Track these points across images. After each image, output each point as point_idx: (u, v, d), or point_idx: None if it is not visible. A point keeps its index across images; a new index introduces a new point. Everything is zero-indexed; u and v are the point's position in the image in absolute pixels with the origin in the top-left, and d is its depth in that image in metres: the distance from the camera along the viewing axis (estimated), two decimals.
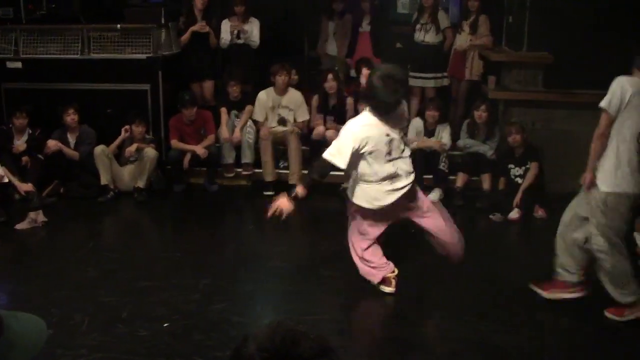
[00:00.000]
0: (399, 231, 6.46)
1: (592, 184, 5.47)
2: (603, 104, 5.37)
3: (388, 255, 6.38)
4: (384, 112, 5.64)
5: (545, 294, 5.91)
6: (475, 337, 5.37)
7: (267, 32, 10.03)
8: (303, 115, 9.22)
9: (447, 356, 5.12)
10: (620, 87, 5.35)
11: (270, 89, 9.15)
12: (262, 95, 9.20)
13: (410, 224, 6.24)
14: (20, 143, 8.74)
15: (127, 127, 8.88)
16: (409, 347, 5.23)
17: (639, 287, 5.54)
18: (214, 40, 9.69)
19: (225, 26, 9.76)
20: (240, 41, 9.77)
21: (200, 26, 9.53)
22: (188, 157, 8.94)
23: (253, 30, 9.75)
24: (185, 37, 9.61)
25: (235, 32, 9.71)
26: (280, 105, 9.19)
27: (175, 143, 9.03)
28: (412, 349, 5.21)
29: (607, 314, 5.65)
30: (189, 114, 8.98)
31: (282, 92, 9.10)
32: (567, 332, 5.56)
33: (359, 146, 5.63)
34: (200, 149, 8.92)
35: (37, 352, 1.91)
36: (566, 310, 5.82)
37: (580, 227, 5.67)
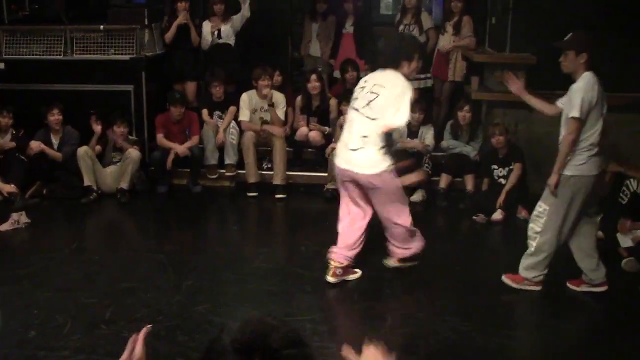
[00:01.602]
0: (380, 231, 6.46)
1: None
2: (578, 114, 5.59)
3: (372, 254, 6.41)
4: None
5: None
6: (457, 337, 5.39)
7: (251, 32, 10.02)
8: (281, 115, 9.19)
9: (428, 357, 5.13)
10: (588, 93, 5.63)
11: (253, 92, 9.13)
12: (246, 97, 9.18)
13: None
14: (2, 142, 8.69)
15: (95, 119, 8.85)
16: (390, 348, 5.23)
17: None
18: (196, 37, 9.67)
19: (207, 27, 9.75)
20: (221, 40, 9.76)
21: (183, 16, 9.49)
22: (171, 157, 8.92)
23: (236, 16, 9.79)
24: (170, 32, 9.56)
25: (216, 32, 9.70)
26: (262, 109, 9.18)
27: (160, 139, 9.00)
28: (393, 350, 5.21)
29: (505, 279, 6.20)
30: (177, 113, 8.96)
31: (264, 96, 9.05)
32: (549, 332, 5.58)
33: None
34: (181, 149, 8.90)
35: None
36: (549, 310, 5.86)
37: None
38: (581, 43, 5.70)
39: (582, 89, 5.60)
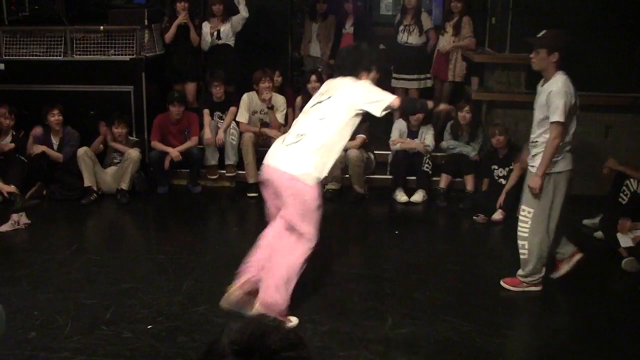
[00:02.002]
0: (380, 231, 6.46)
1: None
2: (561, 119, 5.66)
3: (371, 255, 6.40)
4: None
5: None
6: (457, 337, 5.39)
7: (251, 32, 10.02)
8: (281, 119, 9.19)
9: (429, 357, 5.14)
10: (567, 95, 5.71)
11: (254, 93, 9.12)
12: (246, 98, 9.18)
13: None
14: (4, 143, 8.70)
15: (102, 122, 8.87)
16: (390, 348, 5.24)
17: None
18: (196, 37, 9.68)
19: (206, 28, 9.76)
20: (221, 41, 9.77)
21: (182, 17, 9.51)
22: (169, 158, 8.92)
23: (236, 17, 9.78)
24: (170, 33, 9.59)
25: (215, 32, 9.70)
26: (262, 111, 9.18)
27: (155, 144, 9.02)
28: (393, 350, 5.22)
29: (504, 284, 6.25)
30: (176, 112, 8.97)
31: (264, 100, 9.01)
32: (549, 332, 5.58)
33: None
34: (174, 153, 8.90)
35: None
36: (549, 310, 5.86)
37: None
38: (554, 42, 5.75)
39: (562, 92, 5.66)
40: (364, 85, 5.56)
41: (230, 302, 5.47)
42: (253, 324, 1.77)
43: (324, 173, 5.43)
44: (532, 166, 5.92)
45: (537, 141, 5.88)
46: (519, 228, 6.05)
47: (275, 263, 5.44)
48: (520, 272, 6.14)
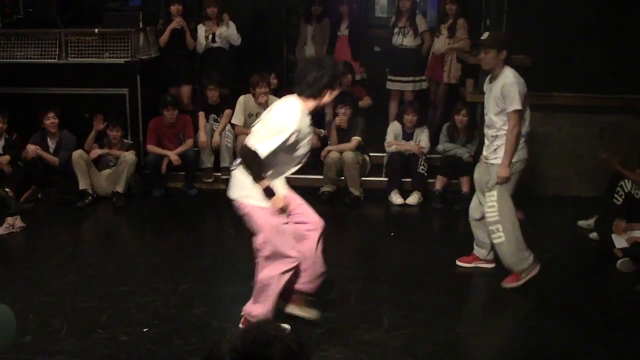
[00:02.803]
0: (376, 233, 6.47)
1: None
2: (519, 106, 5.92)
3: (367, 257, 6.39)
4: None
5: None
6: (454, 339, 5.41)
7: (246, 35, 10.01)
8: None
9: (425, 358, 5.14)
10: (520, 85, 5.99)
11: (250, 96, 9.11)
12: (242, 101, 9.17)
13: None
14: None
15: (100, 115, 8.88)
16: (387, 350, 5.24)
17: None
18: (191, 41, 9.68)
19: (201, 31, 9.75)
20: (216, 44, 9.76)
21: (176, 22, 9.51)
22: (166, 161, 8.91)
23: (230, 32, 9.73)
24: (164, 37, 9.59)
25: (210, 36, 9.70)
26: (258, 114, 9.16)
27: (151, 148, 9.02)
28: (390, 352, 5.22)
29: (506, 285, 6.19)
30: (170, 116, 8.96)
31: (261, 103, 8.99)
32: (546, 333, 5.59)
33: None
34: (173, 156, 8.90)
35: (9, 341, 2.13)
36: (545, 312, 5.86)
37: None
38: (502, 41, 6.08)
39: (515, 82, 5.92)
40: (272, 129, 5.08)
41: None
42: (256, 332, 1.74)
43: (256, 192, 5.15)
44: (495, 158, 6.11)
45: (496, 135, 6.08)
46: (488, 215, 6.19)
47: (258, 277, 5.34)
48: (510, 265, 6.18)
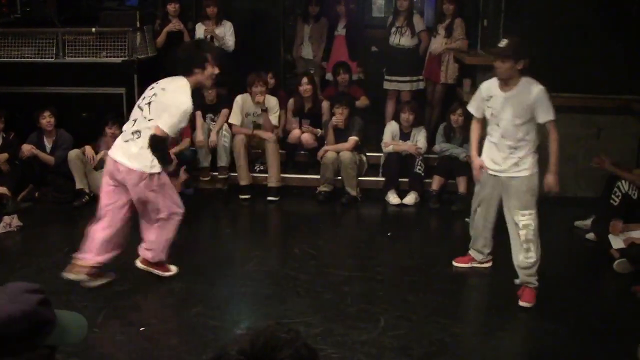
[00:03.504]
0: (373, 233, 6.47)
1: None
2: (554, 116, 5.87)
3: (364, 257, 6.39)
4: None
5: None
6: (450, 339, 5.40)
7: (243, 34, 10.01)
8: (274, 121, 9.17)
9: (421, 359, 5.14)
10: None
11: (247, 95, 9.09)
12: (239, 100, 9.17)
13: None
14: None
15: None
16: (383, 350, 5.24)
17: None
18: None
19: (200, 30, 9.73)
20: (215, 44, 9.74)
21: (173, 24, 9.50)
22: None
23: (226, 34, 9.73)
24: (160, 38, 9.58)
25: (209, 36, 9.68)
26: (255, 114, 9.16)
27: None
28: (386, 352, 5.23)
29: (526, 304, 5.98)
30: None
31: (258, 103, 8.99)
32: (543, 334, 5.59)
33: None
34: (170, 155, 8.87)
35: (84, 335, 2.49)
36: (542, 312, 5.87)
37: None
38: (520, 51, 5.78)
39: (546, 92, 5.82)
40: (173, 109, 5.95)
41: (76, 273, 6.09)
42: (266, 335, 1.73)
43: (157, 167, 5.94)
44: (518, 171, 5.93)
45: (516, 147, 5.91)
46: (526, 232, 5.89)
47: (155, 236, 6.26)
48: (527, 277, 5.96)
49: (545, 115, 5.81)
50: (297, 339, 1.76)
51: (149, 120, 5.89)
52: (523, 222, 5.89)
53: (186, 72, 6.07)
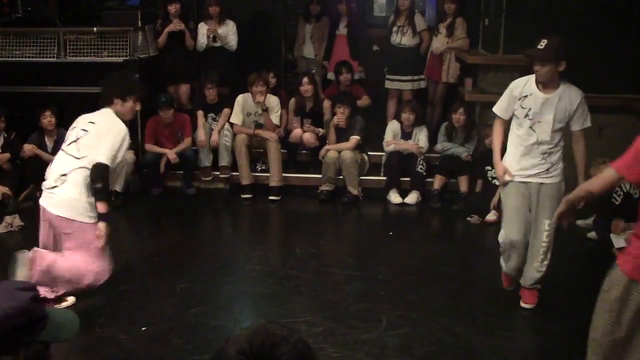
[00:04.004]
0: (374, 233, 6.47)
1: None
2: (590, 124, 5.64)
3: (365, 256, 6.38)
4: None
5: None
6: (452, 338, 5.40)
7: (245, 34, 10.00)
8: (275, 120, 9.17)
9: (422, 358, 5.14)
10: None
11: (249, 95, 9.08)
12: (241, 99, 9.16)
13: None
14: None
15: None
16: (384, 349, 5.24)
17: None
18: (191, 42, 9.66)
19: (202, 29, 9.73)
20: (217, 44, 9.76)
21: (174, 25, 9.50)
22: (164, 160, 8.91)
23: (229, 34, 9.73)
24: (161, 38, 9.58)
25: (211, 35, 9.69)
26: (256, 113, 9.16)
27: (149, 147, 9.02)
28: (388, 351, 5.23)
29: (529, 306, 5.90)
30: (166, 116, 8.95)
31: (259, 103, 8.99)
32: (544, 333, 5.59)
33: None
34: (171, 154, 8.89)
35: (75, 331, 2.47)
36: (544, 311, 5.87)
37: None
38: (560, 52, 5.43)
39: (584, 97, 5.60)
40: (109, 137, 5.73)
41: None
42: (262, 334, 1.74)
43: (93, 211, 5.65)
44: (550, 177, 5.67)
45: (551, 152, 5.61)
46: (548, 241, 5.72)
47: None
48: (537, 284, 5.90)
49: (584, 122, 5.63)
50: (292, 335, 1.77)
51: (78, 159, 5.64)
52: (548, 231, 5.69)
53: (107, 101, 5.94)
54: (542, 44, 5.42)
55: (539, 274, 5.82)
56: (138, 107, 6.08)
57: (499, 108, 5.84)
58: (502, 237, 5.92)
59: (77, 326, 2.48)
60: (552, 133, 5.56)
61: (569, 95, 5.54)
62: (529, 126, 5.59)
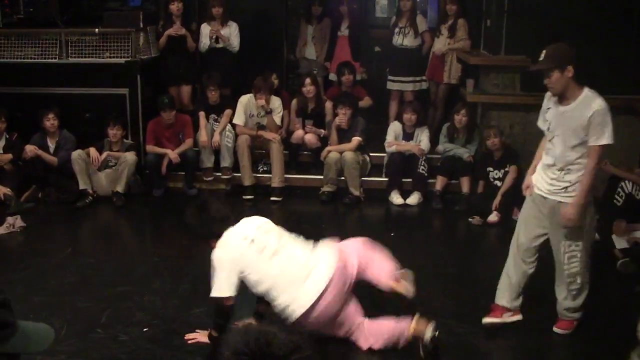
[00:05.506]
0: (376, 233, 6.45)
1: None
2: (610, 140, 5.10)
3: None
4: None
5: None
6: (453, 339, 5.40)
7: (246, 35, 10.01)
8: (277, 121, 9.16)
9: (423, 358, 5.12)
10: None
11: (252, 96, 9.08)
12: (244, 100, 9.16)
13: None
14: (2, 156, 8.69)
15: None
16: (386, 350, 5.23)
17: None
18: (192, 44, 9.67)
19: (205, 30, 9.74)
20: (219, 45, 9.76)
21: (175, 29, 9.50)
22: (165, 161, 8.91)
23: (231, 36, 9.74)
24: (162, 41, 9.59)
25: (214, 36, 9.69)
26: (259, 115, 9.15)
27: (150, 148, 9.03)
28: (389, 351, 5.22)
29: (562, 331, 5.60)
30: (168, 117, 8.95)
31: (261, 106, 9.02)
32: (545, 335, 5.58)
33: None
34: (173, 154, 8.90)
35: (46, 346, 2.37)
36: (545, 313, 5.85)
37: None
38: (561, 57, 5.08)
39: (608, 110, 5.06)
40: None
41: None
42: (253, 332, 1.75)
43: None
44: (568, 197, 5.19)
45: (569, 169, 5.15)
46: (569, 267, 5.43)
47: None
48: (570, 312, 5.61)
49: (598, 138, 5.03)
50: (280, 329, 1.79)
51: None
52: (570, 253, 5.39)
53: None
54: (542, 55, 5.17)
55: (570, 307, 5.55)
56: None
57: (539, 122, 5.49)
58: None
59: (50, 340, 2.37)
60: (566, 149, 5.14)
61: (583, 107, 5.05)
62: (549, 140, 5.27)
